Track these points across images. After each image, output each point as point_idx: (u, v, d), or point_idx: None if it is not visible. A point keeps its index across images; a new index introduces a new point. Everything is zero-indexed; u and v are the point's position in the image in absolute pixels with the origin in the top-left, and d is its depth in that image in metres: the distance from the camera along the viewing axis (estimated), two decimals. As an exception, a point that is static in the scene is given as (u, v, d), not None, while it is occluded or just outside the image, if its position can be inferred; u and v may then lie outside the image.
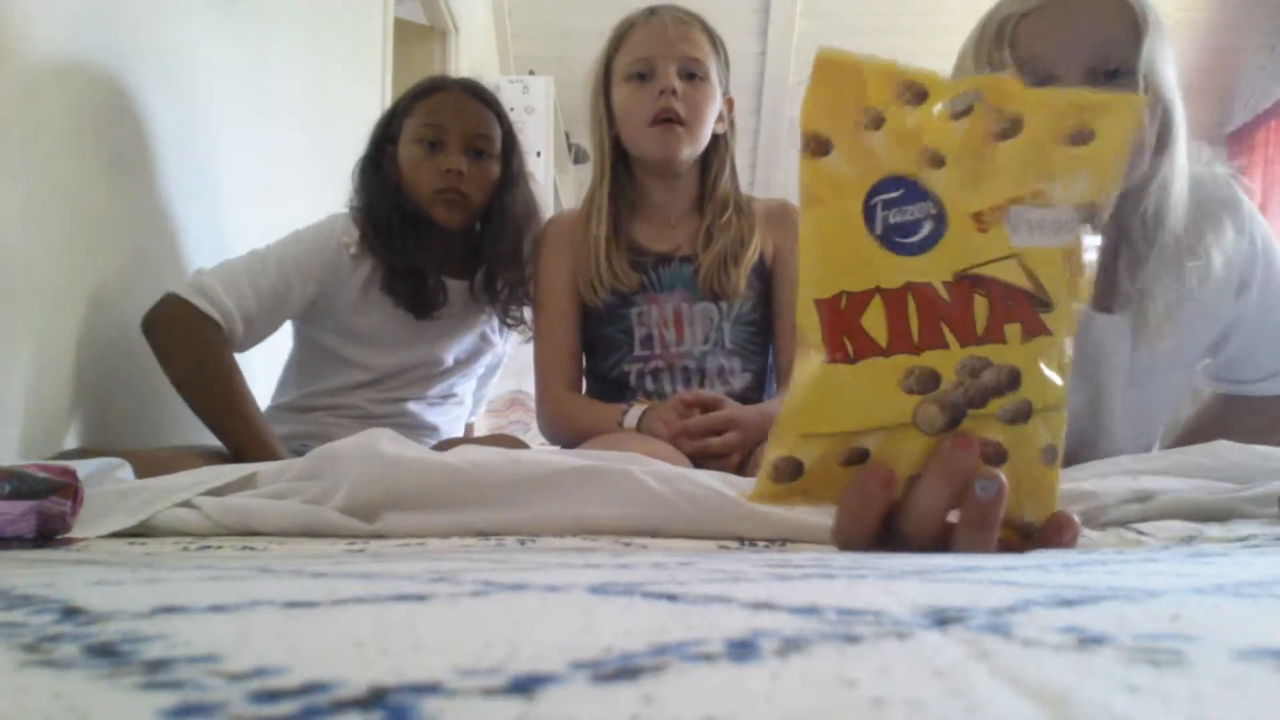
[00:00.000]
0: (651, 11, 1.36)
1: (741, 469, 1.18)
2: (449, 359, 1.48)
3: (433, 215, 1.36)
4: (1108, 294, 0.99)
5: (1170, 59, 0.92)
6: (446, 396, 1.52)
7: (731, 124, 1.41)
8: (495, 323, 1.50)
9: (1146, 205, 0.94)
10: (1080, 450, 1.07)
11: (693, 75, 1.32)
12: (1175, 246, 0.95)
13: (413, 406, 1.46)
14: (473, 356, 1.52)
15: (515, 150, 1.44)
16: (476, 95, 1.40)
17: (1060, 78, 0.90)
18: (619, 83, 1.34)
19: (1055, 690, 0.17)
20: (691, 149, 1.34)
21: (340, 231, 1.38)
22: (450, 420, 1.55)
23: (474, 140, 1.37)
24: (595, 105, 1.38)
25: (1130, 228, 0.95)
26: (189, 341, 1.25)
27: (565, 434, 1.35)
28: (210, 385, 1.24)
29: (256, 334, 1.35)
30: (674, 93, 1.29)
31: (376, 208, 1.36)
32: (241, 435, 1.20)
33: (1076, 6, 0.90)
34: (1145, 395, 1.04)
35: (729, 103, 1.40)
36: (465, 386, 1.56)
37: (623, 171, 1.39)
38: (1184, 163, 0.94)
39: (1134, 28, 0.90)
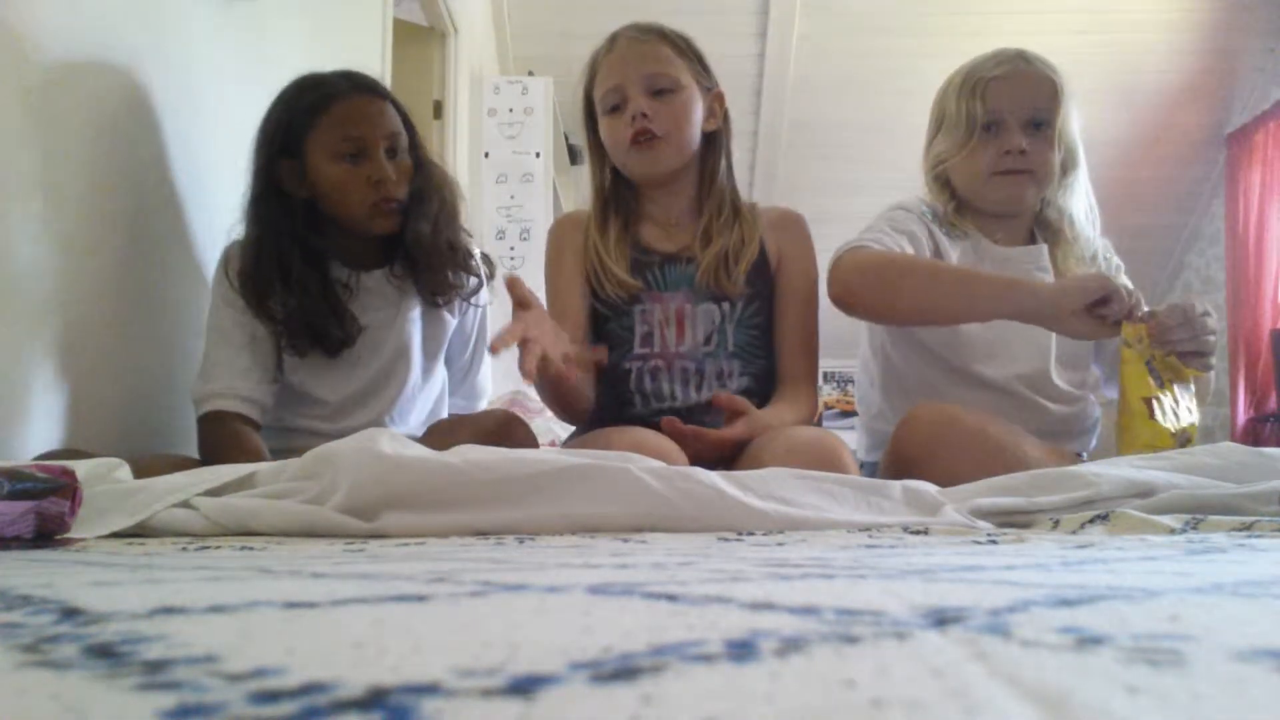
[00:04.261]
0: (612, 39, 1.37)
1: (730, 465, 1.18)
2: (410, 357, 1.43)
3: (369, 230, 1.33)
4: (1035, 230, 1.44)
5: (1075, 115, 1.34)
6: (414, 396, 1.47)
7: (725, 118, 1.41)
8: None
9: (1057, 201, 1.39)
10: (1036, 381, 1.36)
11: (661, 90, 1.33)
12: (1077, 224, 1.42)
13: (386, 419, 1.43)
14: (431, 339, 1.46)
15: (413, 130, 1.39)
16: (372, 91, 1.35)
17: (1007, 123, 1.32)
18: (601, 117, 1.36)
19: (1054, 690, 0.17)
20: (677, 159, 1.35)
21: (228, 265, 1.34)
22: (434, 410, 1.52)
23: (390, 140, 1.33)
24: (587, 138, 1.41)
25: (1047, 214, 1.42)
26: (241, 449, 1.26)
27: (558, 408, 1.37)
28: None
29: (269, 384, 1.35)
30: (644, 115, 1.31)
31: (275, 247, 1.30)
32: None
33: (1023, 79, 1.32)
34: None
35: (718, 97, 1.40)
36: (434, 373, 1.51)
37: (623, 187, 1.41)
38: (1084, 180, 1.38)
39: (1056, 95, 1.32)
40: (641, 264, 1.36)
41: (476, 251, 1.47)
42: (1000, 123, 1.32)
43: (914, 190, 1.49)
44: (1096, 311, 1.16)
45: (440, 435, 1.24)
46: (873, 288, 1.28)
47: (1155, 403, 1.15)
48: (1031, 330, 1.35)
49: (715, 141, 1.39)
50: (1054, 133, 1.33)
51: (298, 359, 1.36)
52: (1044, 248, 1.40)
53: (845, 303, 1.31)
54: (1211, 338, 1.18)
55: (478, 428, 1.26)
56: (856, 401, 1.57)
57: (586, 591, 0.33)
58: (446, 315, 1.46)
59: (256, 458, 1.25)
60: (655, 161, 1.33)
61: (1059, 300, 1.17)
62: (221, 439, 1.28)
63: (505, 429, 1.26)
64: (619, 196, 1.40)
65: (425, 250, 1.36)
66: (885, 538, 0.71)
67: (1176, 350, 1.16)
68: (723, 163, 1.40)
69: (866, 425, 1.50)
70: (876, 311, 1.35)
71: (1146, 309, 1.17)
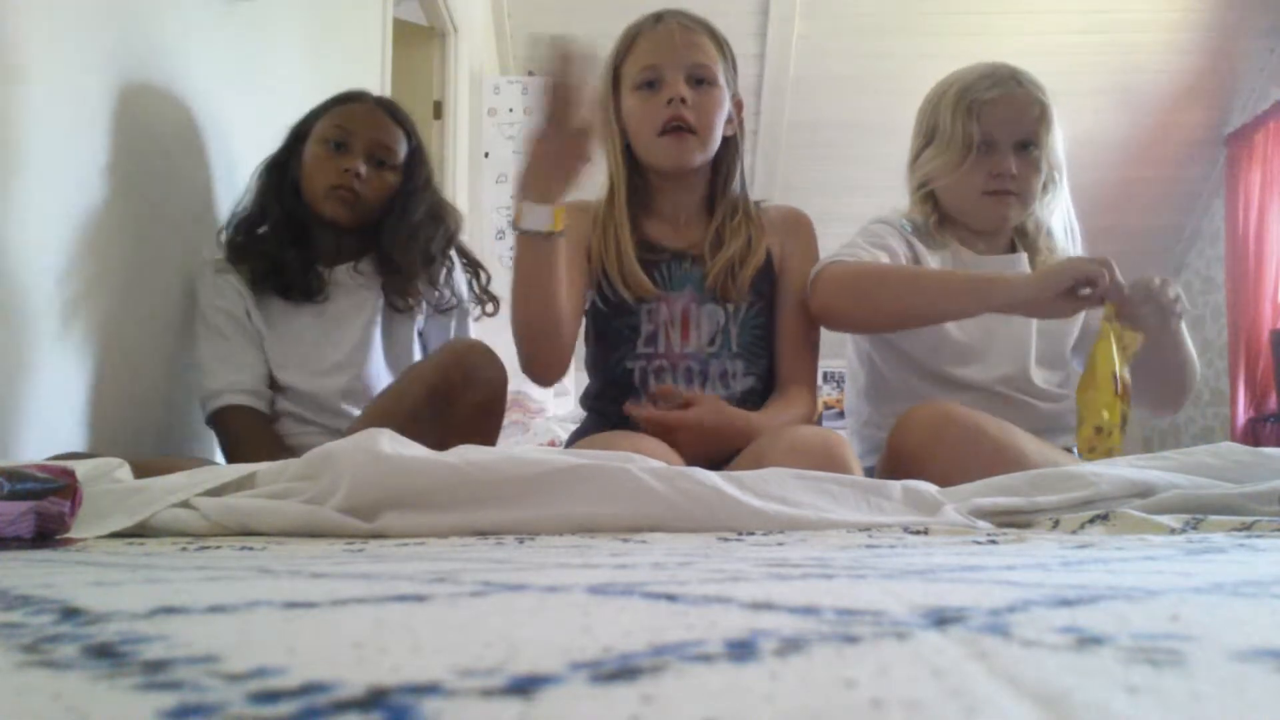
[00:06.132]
0: (658, 18, 1.35)
1: (720, 466, 1.18)
2: (370, 352, 1.47)
3: (322, 210, 1.41)
4: (1015, 240, 1.48)
5: (1061, 136, 1.39)
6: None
7: (741, 125, 1.41)
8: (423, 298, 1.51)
9: (1036, 214, 1.43)
10: (1017, 378, 1.38)
11: (701, 81, 1.32)
12: (1055, 237, 1.47)
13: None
14: (395, 341, 1.50)
15: (422, 165, 1.48)
16: (389, 111, 1.47)
17: (1000, 144, 1.36)
18: (628, 92, 1.34)
19: (1054, 690, 0.17)
20: (703, 155, 1.34)
21: (206, 255, 1.44)
22: None
23: (376, 149, 1.43)
24: (604, 113, 1.37)
25: (1026, 225, 1.46)
26: (258, 441, 1.34)
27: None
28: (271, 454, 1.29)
29: (266, 374, 1.42)
30: (683, 101, 1.29)
31: (264, 205, 1.43)
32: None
33: (1015, 103, 1.36)
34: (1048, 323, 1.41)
35: (738, 105, 1.40)
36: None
37: (635, 175, 1.38)
38: (1065, 198, 1.44)
39: (1044, 118, 1.37)
40: (648, 262, 1.34)
41: (462, 279, 1.53)
42: (992, 144, 1.36)
43: (908, 191, 1.49)
44: (1078, 292, 1.19)
45: (390, 398, 1.30)
46: (851, 299, 1.31)
47: (1119, 380, 1.19)
48: (1011, 332, 1.38)
49: (731, 146, 1.39)
50: (1040, 155, 1.37)
51: (275, 317, 1.43)
52: (1024, 256, 1.42)
53: (826, 317, 1.35)
54: (1178, 305, 1.23)
55: (429, 369, 1.29)
56: (846, 409, 1.58)
57: (586, 591, 0.33)
58: (415, 316, 1.52)
59: (278, 448, 1.31)
60: (685, 153, 1.32)
61: (1039, 290, 1.20)
62: (239, 433, 1.36)
63: (462, 367, 1.27)
64: (632, 185, 1.37)
65: (397, 251, 1.43)
66: (885, 538, 0.71)
67: (1143, 326, 1.21)
68: (738, 167, 1.40)
69: (857, 431, 1.50)
70: (857, 322, 1.37)
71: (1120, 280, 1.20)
